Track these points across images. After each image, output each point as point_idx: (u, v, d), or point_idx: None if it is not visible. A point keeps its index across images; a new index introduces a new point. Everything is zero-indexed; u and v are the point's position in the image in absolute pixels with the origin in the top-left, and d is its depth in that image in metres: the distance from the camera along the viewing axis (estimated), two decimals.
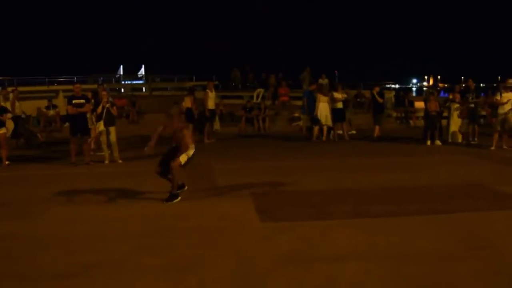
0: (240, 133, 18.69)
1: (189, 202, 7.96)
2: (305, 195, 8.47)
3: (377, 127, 16.22)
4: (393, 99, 22.35)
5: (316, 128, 15.92)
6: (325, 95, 15.94)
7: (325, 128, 15.88)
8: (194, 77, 33.60)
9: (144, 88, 34.96)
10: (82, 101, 11.74)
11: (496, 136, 13.74)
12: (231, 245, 5.85)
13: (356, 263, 5.18)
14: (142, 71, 51.86)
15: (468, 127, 15.35)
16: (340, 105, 16.27)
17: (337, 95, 16.30)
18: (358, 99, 21.59)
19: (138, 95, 26.39)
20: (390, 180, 9.62)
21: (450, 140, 15.16)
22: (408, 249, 5.69)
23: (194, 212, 7.41)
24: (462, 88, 17.68)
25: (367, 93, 20.70)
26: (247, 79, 30.57)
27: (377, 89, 16.85)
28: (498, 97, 13.86)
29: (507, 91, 13.80)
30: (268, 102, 22.51)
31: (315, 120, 15.85)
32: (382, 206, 7.56)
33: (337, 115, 16.18)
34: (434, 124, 14.84)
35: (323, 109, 15.69)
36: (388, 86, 30.86)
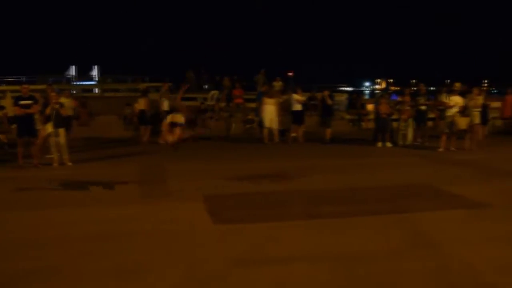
0: (193, 135, 18.53)
1: (140, 204, 7.85)
2: (258, 196, 8.47)
3: (328, 130, 16.35)
4: (346, 102, 22.72)
5: (265, 130, 15.96)
6: (271, 97, 15.96)
7: (274, 131, 15.91)
8: (147, 78, 33.23)
9: (95, 89, 34.34)
10: (30, 101, 11.39)
11: (444, 138, 14.16)
12: (182, 248, 5.79)
13: (305, 264, 5.23)
14: (94, 71, 50.89)
15: (417, 129, 15.78)
16: (299, 107, 16.33)
17: (297, 97, 16.39)
18: (312, 102, 21.80)
19: (89, 96, 25.86)
20: (341, 181, 9.76)
21: (400, 142, 15.50)
22: (357, 249, 5.77)
23: (145, 215, 7.28)
24: (412, 91, 18.12)
25: (320, 96, 20.92)
26: (201, 81, 30.40)
27: (326, 92, 16.97)
28: (446, 100, 14.28)
29: (454, 95, 14.26)
30: (222, 104, 22.46)
31: (262, 123, 15.94)
32: (333, 207, 7.66)
33: (296, 117, 16.26)
34: (384, 126, 15.14)
35: (268, 112, 15.74)
36: (342, 89, 31.32)
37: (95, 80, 42.35)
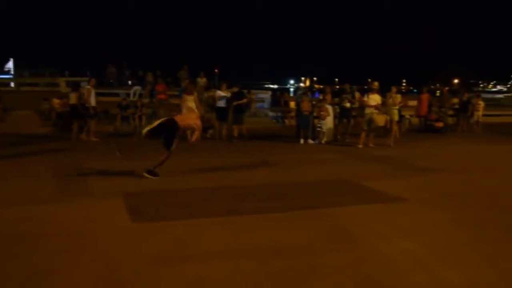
0: (115, 131, 18.03)
1: (57, 203, 7.51)
2: (179, 194, 8.35)
3: (240, 127, 16.11)
4: (270, 99, 22.95)
5: None
6: (190, 94, 15.71)
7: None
8: (66, 72, 32.02)
9: (12, 83, 32.70)
10: None
11: (363, 135, 14.60)
12: (99, 248, 5.59)
13: (225, 261, 5.20)
14: (10, 64, 48.36)
15: (339, 126, 16.19)
16: (223, 103, 16.15)
17: (221, 93, 16.20)
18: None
19: (5, 91, 24.60)
20: (264, 177, 9.84)
21: (325, 139, 15.79)
22: (276, 244, 5.80)
23: (61, 214, 6.97)
24: (335, 89, 18.54)
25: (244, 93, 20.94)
26: (124, 76, 29.69)
27: (235, 89, 16.79)
28: (366, 99, 14.72)
29: (373, 93, 14.72)
30: (146, 100, 22.01)
31: None
32: (255, 203, 7.68)
33: (220, 114, 16.10)
34: (306, 124, 15.39)
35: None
36: (267, 86, 31.58)
37: (10, 74, 40.23)
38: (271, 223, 6.66)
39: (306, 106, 15.33)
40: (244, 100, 16.49)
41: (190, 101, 15.49)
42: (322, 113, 15.35)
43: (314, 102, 16.73)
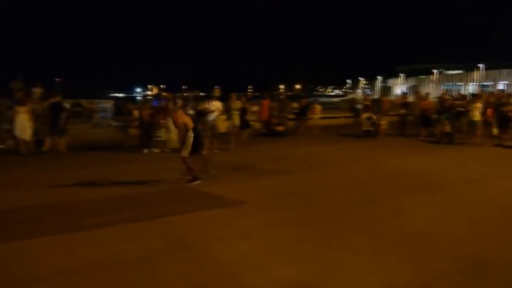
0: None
1: None
2: (11, 213, 7.72)
3: (60, 140, 14.99)
4: (112, 108, 22.28)
5: (20, 140, 14.66)
6: (22, 105, 14.71)
7: (27, 141, 14.63)
8: None
9: None
10: None
11: (206, 141, 14.73)
12: None
13: (59, 281, 4.95)
14: None
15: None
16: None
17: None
18: (76, 108, 20.89)
19: None
20: (104, 190, 9.46)
21: (170, 146, 15.66)
22: (114, 258, 5.66)
23: None
24: (183, 96, 18.51)
25: (85, 103, 20.13)
26: None
27: (58, 97, 15.60)
28: (207, 105, 14.93)
29: (214, 100, 15.00)
30: None
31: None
32: (92, 218, 7.36)
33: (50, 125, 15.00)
34: (149, 132, 15.18)
35: (19, 121, 14.53)
36: (112, 95, 30.64)
37: None
38: (109, 237, 6.47)
39: (147, 114, 15.10)
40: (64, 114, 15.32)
41: (23, 113, 14.50)
42: (161, 121, 15.13)
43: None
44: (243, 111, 17.74)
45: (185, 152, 10.03)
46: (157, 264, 5.47)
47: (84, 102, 20.44)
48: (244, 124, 17.67)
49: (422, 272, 5.22)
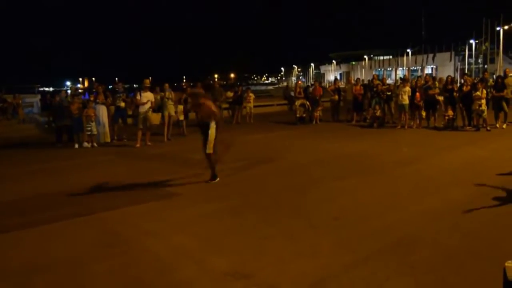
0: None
1: None
2: None
3: None
4: (39, 103, 21.41)
5: None
6: None
7: None
8: None
9: None
10: None
11: (139, 134, 14.44)
12: None
13: None
14: None
15: (115, 126, 15.81)
16: None
17: None
18: (2, 104, 19.93)
19: None
20: (30, 189, 9.06)
21: (101, 140, 15.26)
22: (42, 260, 5.39)
23: None
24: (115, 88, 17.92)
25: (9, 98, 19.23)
26: None
27: None
28: (138, 97, 14.56)
29: (146, 91, 14.62)
30: None
31: None
32: (18, 219, 7.03)
33: None
34: (78, 126, 14.69)
35: None
36: (42, 89, 29.47)
37: None
38: (37, 238, 6.19)
39: (76, 107, 14.58)
40: None
41: None
42: (90, 115, 14.65)
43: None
44: (185, 102, 17.64)
45: (210, 148, 9.08)
46: (90, 262, 5.28)
47: (8, 97, 19.47)
48: (186, 115, 17.52)
49: (354, 252, 5.29)
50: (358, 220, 6.51)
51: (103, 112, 15.47)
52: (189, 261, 5.22)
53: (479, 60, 71.96)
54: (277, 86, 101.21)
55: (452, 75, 23.91)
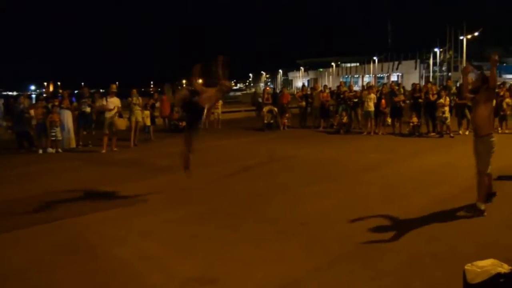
0: None
1: None
2: None
3: None
4: (2, 108, 20.89)
5: None
6: None
7: None
8: None
9: None
10: None
11: (105, 139, 14.27)
12: None
13: None
14: None
15: (79, 131, 15.61)
16: None
17: None
18: None
19: None
20: None
21: (66, 146, 15.00)
22: (3, 268, 5.31)
23: None
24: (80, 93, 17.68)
25: None
26: None
27: None
28: (105, 102, 14.41)
29: (112, 97, 14.48)
30: None
31: None
32: None
33: None
34: (43, 132, 14.42)
35: None
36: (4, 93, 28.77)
37: None
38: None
39: (39, 112, 14.31)
40: None
41: None
42: (54, 120, 14.39)
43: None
44: (153, 108, 17.61)
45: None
46: (55, 269, 5.21)
47: None
48: (153, 121, 17.47)
49: (319, 258, 5.35)
50: (324, 226, 6.58)
51: (68, 117, 15.22)
52: (155, 267, 5.19)
53: (443, 68, 73.50)
54: (245, 92, 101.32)
55: (417, 82, 24.34)
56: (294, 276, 4.87)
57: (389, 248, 5.65)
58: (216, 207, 7.75)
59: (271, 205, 7.83)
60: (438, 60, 73.38)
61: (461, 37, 59.71)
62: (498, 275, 3.83)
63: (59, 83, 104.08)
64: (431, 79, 58.61)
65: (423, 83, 35.32)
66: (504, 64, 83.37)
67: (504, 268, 3.90)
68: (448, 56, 71.82)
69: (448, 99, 16.70)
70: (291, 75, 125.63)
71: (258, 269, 5.06)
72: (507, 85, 18.37)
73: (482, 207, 6.85)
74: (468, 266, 4.04)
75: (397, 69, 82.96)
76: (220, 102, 22.93)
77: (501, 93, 17.75)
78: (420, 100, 17.40)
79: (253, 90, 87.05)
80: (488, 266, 3.94)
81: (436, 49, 72.59)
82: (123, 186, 9.25)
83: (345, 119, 18.50)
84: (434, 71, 74.18)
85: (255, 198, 8.28)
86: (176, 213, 7.40)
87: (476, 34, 58.24)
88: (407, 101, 18.71)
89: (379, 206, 7.50)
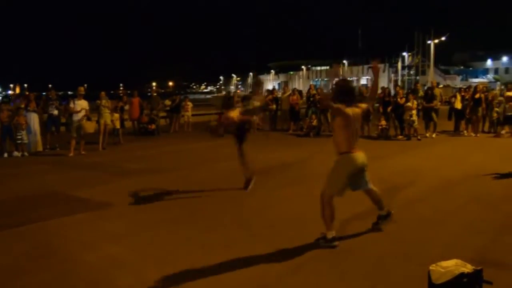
0: None
1: None
2: None
3: None
4: None
5: None
6: None
7: None
8: None
9: None
10: None
11: (73, 142, 14.09)
12: None
13: None
14: None
15: (47, 135, 15.36)
16: None
17: None
18: None
19: None
20: None
21: (33, 149, 14.74)
22: None
23: None
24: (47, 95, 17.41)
25: None
26: None
27: None
28: (72, 105, 14.23)
29: (80, 99, 14.30)
30: None
31: None
32: None
33: None
34: (9, 135, 14.15)
35: None
36: None
37: None
38: None
39: (5, 115, 14.03)
40: None
41: None
42: (20, 123, 14.12)
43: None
44: (122, 110, 17.48)
45: None
46: (22, 274, 5.13)
47: None
48: (122, 123, 17.33)
49: (288, 260, 5.39)
50: (293, 228, 6.63)
51: (34, 120, 14.96)
52: (124, 272, 5.15)
53: (412, 72, 74.79)
54: (216, 95, 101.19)
55: (386, 86, 24.78)
56: (263, 280, 4.89)
57: (356, 249, 5.73)
58: (186, 211, 7.73)
59: (241, 208, 7.87)
60: (406, 64, 74.65)
61: (429, 42, 60.83)
62: (462, 275, 3.92)
63: (25, 85, 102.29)
64: (399, 83, 59.48)
65: (392, 87, 35.86)
66: (471, 68, 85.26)
67: (467, 268, 4.00)
68: (416, 60, 73.13)
69: (415, 102, 17.02)
70: (261, 77, 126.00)
71: (227, 274, 5.06)
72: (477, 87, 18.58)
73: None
74: (432, 267, 4.12)
75: (367, 72, 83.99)
76: (190, 105, 22.90)
77: (467, 97, 18.13)
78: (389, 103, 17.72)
79: (223, 93, 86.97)
80: (452, 266, 4.02)
81: (404, 54, 73.84)
82: (92, 190, 9.15)
83: (314, 122, 18.66)
84: (402, 75, 75.39)
85: (225, 202, 8.29)
86: (145, 217, 7.36)
87: (443, 38, 59.43)
88: (376, 105, 18.96)
89: (346, 208, 7.56)
